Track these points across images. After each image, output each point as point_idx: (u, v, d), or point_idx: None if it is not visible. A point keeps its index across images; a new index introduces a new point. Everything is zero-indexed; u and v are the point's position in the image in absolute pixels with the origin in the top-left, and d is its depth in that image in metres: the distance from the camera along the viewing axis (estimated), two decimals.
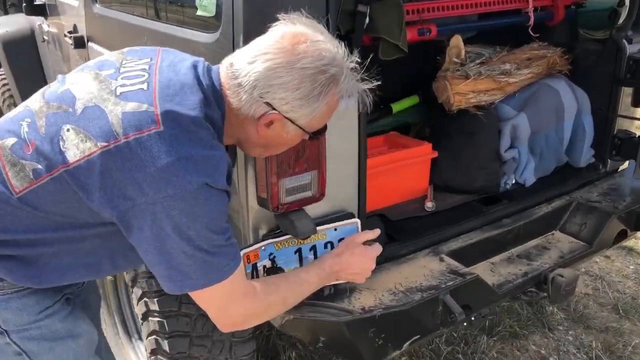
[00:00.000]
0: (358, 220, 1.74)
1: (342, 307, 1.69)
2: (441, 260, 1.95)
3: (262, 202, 1.61)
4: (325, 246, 1.72)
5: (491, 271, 2.07)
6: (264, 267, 1.64)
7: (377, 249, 1.69)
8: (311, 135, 1.37)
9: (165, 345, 2.01)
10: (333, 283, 1.69)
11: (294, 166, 1.59)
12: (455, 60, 2.15)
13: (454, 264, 1.93)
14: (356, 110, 1.65)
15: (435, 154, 2.21)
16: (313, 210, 1.69)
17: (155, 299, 1.98)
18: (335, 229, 1.72)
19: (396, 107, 2.36)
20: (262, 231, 1.68)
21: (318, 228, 1.68)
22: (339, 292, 1.77)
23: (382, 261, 1.92)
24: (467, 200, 2.23)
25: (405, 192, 2.19)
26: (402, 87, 2.40)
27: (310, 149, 1.59)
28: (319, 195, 1.66)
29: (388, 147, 2.27)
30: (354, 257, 1.61)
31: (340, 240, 1.73)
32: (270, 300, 1.39)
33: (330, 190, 1.69)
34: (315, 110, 1.27)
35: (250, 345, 2.15)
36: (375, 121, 2.36)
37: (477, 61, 2.14)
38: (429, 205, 2.13)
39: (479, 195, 2.26)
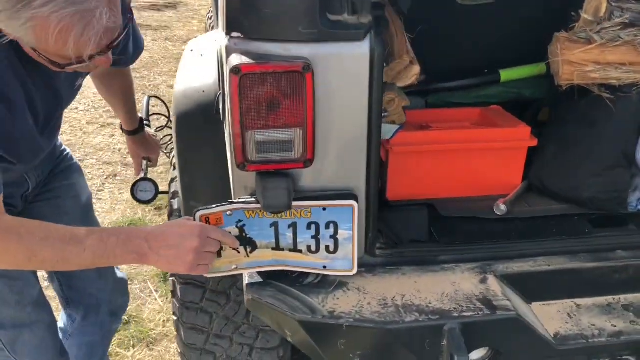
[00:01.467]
0: (354, 203, 1.35)
1: (309, 302, 1.36)
2: (483, 281, 1.45)
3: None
4: (309, 227, 1.38)
5: (568, 315, 1.49)
6: None
7: (214, 230, 1.31)
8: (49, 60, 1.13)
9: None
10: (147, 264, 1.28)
11: (266, 117, 1.27)
12: (589, 18, 1.53)
13: (498, 291, 1.41)
14: (367, 54, 1.25)
15: (534, 142, 1.63)
16: (302, 179, 1.36)
17: None
18: (325, 209, 1.36)
19: (506, 74, 1.80)
20: (245, 192, 1.41)
21: (302, 203, 1.35)
22: (325, 283, 1.43)
23: (404, 262, 1.50)
24: (566, 213, 1.63)
25: (482, 184, 1.67)
26: (521, 50, 1.81)
27: (290, 100, 1.25)
28: (305, 160, 1.32)
29: (473, 122, 1.75)
30: (172, 228, 1.25)
31: (329, 223, 1.38)
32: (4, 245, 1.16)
33: (326, 159, 1.34)
34: (13, 28, 1.05)
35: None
36: (475, 88, 1.84)
37: (618, 20, 1.49)
38: (502, 207, 1.59)
39: (589, 210, 1.63)
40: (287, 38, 1.23)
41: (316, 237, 1.39)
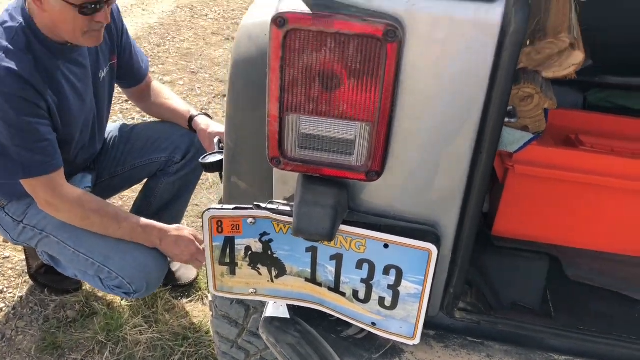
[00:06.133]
0: (433, 248, 0.88)
1: None
2: None
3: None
4: (360, 266, 0.94)
5: None
6: (248, 249, 0.98)
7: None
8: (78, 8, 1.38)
9: None
10: None
11: (318, 99, 0.83)
12: None
13: None
14: (496, 23, 0.75)
15: None
16: (360, 195, 0.91)
17: None
18: (387, 246, 0.91)
19: None
20: (284, 190, 0.99)
21: (355, 230, 0.91)
22: (372, 342, 1.01)
23: (494, 337, 1.03)
24: None
25: None
26: None
27: (359, 80, 0.80)
28: (368, 171, 0.87)
29: None
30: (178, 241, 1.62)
31: (390, 267, 0.93)
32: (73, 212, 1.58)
33: (402, 173, 0.88)
34: None
35: None
36: None
37: None
38: None
39: None
40: None
41: (367, 282, 0.95)
